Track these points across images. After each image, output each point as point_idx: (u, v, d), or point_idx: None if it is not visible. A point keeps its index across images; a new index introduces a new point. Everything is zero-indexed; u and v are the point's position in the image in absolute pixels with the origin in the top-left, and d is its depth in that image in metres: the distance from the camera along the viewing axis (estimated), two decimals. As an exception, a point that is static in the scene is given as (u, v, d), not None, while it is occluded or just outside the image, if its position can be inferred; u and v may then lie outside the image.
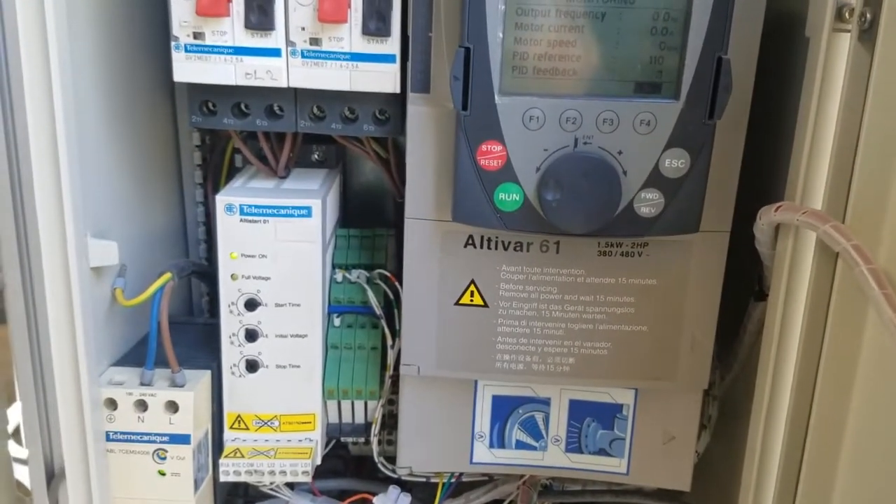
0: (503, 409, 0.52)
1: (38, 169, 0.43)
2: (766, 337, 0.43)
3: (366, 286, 0.56)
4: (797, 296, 0.41)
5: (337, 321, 0.57)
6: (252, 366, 0.54)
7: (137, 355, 0.54)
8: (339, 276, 0.57)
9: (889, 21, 0.36)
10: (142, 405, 0.51)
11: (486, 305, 0.48)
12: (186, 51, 0.47)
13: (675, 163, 0.42)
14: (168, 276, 0.52)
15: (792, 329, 0.42)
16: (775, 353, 0.43)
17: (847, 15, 0.39)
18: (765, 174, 0.47)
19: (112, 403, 0.50)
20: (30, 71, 0.42)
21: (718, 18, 0.40)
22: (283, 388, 0.55)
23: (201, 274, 0.61)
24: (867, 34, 0.38)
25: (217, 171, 0.64)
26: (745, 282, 0.49)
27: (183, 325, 0.58)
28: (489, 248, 0.47)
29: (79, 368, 0.46)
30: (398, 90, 0.48)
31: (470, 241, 0.47)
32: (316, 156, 0.62)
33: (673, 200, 0.43)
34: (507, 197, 0.43)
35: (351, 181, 0.68)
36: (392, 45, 0.47)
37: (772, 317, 0.43)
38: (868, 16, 0.38)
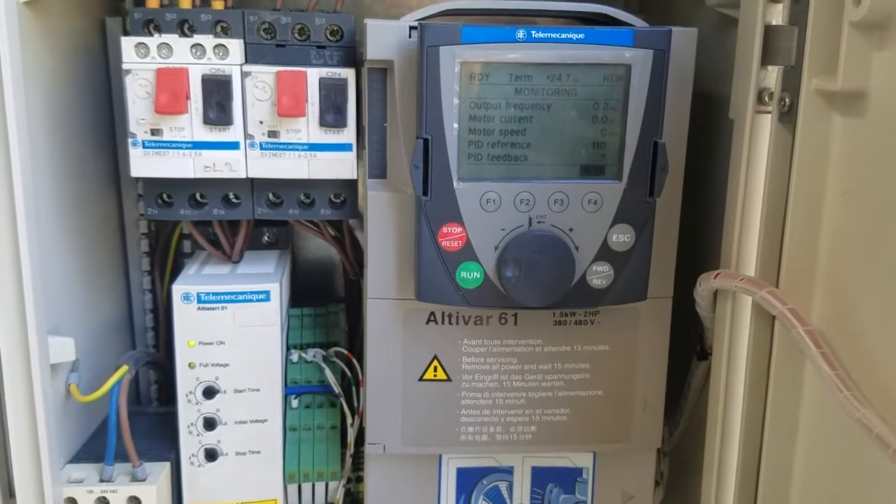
0: (468, 481, 0.53)
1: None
2: (713, 395, 0.46)
3: (323, 364, 0.56)
4: (738, 355, 0.44)
5: (294, 402, 0.57)
6: (211, 455, 0.53)
7: (92, 450, 0.53)
8: (294, 356, 0.57)
9: (807, 104, 0.39)
10: (103, 502, 0.49)
11: (449, 380, 0.49)
12: (144, 147, 0.47)
13: (622, 237, 0.45)
14: (125, 368, 0.51)
15: (736, 387, 0.44)
16: (722, 410, 0.45)
17: (767, 98, 0.42)
18: (697, 243, 0.51)
19: (72, 503, 0.49)
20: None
21: (652, 107, 0.44)
22: (243, 476, 0.54)
23: (153, 363, 0.60)
24: (787, 116, 0.41)
25: (164, 258, 0.64)
26: (686, 343, 0.52)
27: (134, 416, 0.56)
28: (450, 323, 0.49)
29: (41, 470, 0.45)
30: (355, 176, 0.50)
31: (432, 318, 0.49)
32: (266, 238, 0.63)
33: (622, 272, 0.46)
34: (469, 275, 0.45)
35: (297, 259, 0.69)
36: (348, 135, 0.49)
37: (716, 376, 0.45)
38: (787, 100, 0.41)
